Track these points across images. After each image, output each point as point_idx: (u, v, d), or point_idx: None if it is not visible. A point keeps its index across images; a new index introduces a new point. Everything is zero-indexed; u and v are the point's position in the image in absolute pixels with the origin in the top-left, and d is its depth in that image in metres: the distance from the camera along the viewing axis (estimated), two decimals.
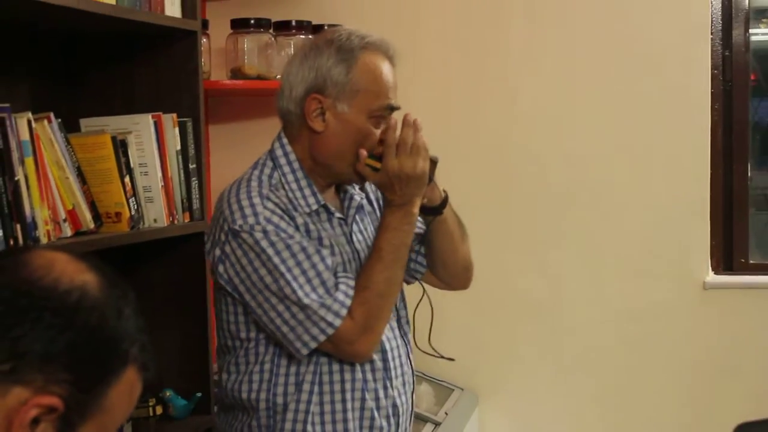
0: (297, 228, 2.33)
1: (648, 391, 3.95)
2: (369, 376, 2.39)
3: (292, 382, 2.36)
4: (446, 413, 3.71)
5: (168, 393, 2.98)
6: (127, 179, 2.77)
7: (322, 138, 2.37)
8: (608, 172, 3.96)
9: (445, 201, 2.51)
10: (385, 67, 2.40)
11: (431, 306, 2.63)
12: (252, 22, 3.70)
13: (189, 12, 3.02)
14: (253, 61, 3.69)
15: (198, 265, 3.00)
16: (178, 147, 2.94)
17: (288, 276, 2.28)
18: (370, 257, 2.38)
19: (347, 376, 2.37)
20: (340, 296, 2.31)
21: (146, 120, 2.85)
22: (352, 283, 2.34)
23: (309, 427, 2.35)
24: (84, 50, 3.02)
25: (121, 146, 2.77)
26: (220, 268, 2.34)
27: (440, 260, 2.60)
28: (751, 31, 4.02)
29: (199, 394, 3.01)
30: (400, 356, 2.48)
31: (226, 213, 2.33)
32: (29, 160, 2.41)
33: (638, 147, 3.95)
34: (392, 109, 2.40)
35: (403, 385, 2.48)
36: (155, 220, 2.85)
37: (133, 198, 2.78)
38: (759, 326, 3.90)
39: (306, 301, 2.28)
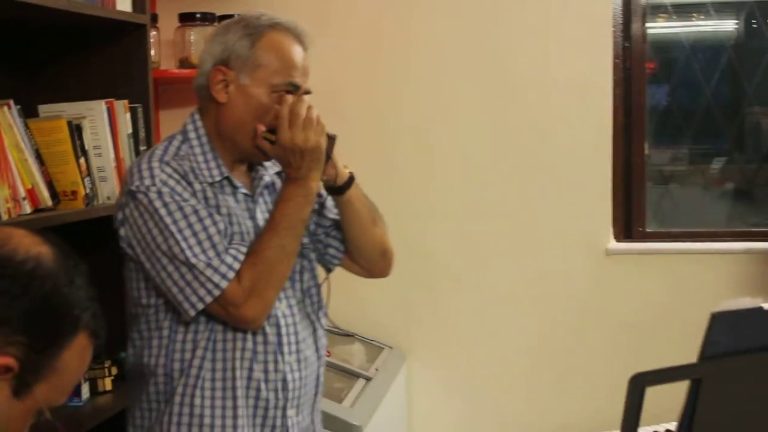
0: (194, 194, 2.22)
1: (558, 345, 3.99)
2: (260, 348, 2.27)
3: (188, 348, 2.25)
4: (377, 369, 3.72)
5: (122, 354, 2.95)
6: (82, 160, 2.73)
7: (226, 109, 2.27)
8: (521, 151, 3.98)
9: (349, 182, 2.40)
10: (292, 47, 2.30)
11: (329, 283, 2.51)
12: (198, 15, 3.71)
13: (138, 7, 2.99)
14: (200, 52, 3.67)
15: None
16: (130, 131, 2.91)
17: (178, 236, 2.17)
18: (265, 228, 2.26)
19: (239, 345, 2.25)
20: (228, 259, 2.19)
21: (100, 106, 2.81)
22: (243, 249, 2.22)
23: (198, 392, 2.25)
24: (42, 42, 2.97)
25: (76, 130, 2.74)
26: (122, 231, 2.24)
27: (353, 244, 2.48)
28: (648, 24, 4.05)
29: None
30: (296, 333, 2.33)
31: (128, 177, 2.24)
32: None
33: (548, 128, 3.96)
34: (296, 87, 2.28)
35: (298, 362, 2.33)
36: (108, 198, 2.81)
37: (88, 177, 2.74)
38: (655, 287, 3.94)
39: (193, 260, 2.16)
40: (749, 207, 4.22)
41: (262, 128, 2.25)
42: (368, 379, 3.60)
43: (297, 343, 2.33)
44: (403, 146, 4.02)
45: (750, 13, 4.14)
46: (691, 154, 4.30)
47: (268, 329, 2.27)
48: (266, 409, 2.30)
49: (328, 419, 3.15)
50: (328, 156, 2.30)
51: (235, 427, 2.26)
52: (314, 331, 2.41)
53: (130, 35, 2.97)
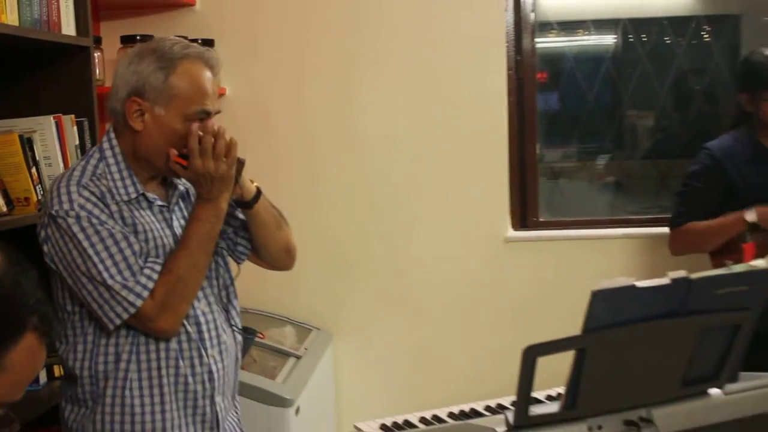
0: (111, 215, 2.16)
1: (463, 321, 4.02)
2: (184, 345, 2.22)
3: (111, 352, 2.19)
4: (306, 348, 3.71)
5: None
6: (33, 170, 2.71)
7: (142, 136, 2.19)
8: (430, 152, 4.00)
9: (257, 197, 2.34)
10: (203, 75, 2.23)
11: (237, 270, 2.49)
12: (138, 38, 3.64)
13: (82, 31, 2.97)
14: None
15: None
16: (77, 142, 2.88)
17: (95, 259, 2.11)
18: (178, 244, 2.20)
19: (162, 345, 2.20)
20: (143, 279, 2.13)
21: (48, 121, 2.79)
22: (158, 267, 2.16)
23: (127, 393, 2.19)
24: None
25: (27, 143, 2.72)
26: (45, 248, 2.17)
27: (260, 245, 2.43)
28: (537, 39, 4.08)
29: None
30: (216, 328, 2.29)
31: (48, 199, 2.17)
32: None
33: (453, 132, 3.99)
34: (207, 113, 2.22)
35: (220, 353, 2.29)
36: None
37: (39, 185, 2.72)
38: (547, 270, 3.99)
39: (110, 282, 2.11)
40: (627, 198, 4.30)
41: (174, 153, 2.18)
42: (298, 357, 3.60)
43: (218, 336, 2.29)
44: (326, 150, 4.02)
45: (625, 29, 4.21)
46: (578, 153, 4.35)
47: (189, 328, 2.23)
48: (195, 399, 2.26)
49: (264, 394, 3.16)
50: (237, 179, 2.25)
51: (164, 420, 2.22)
52: (229, 318, 2.37)
53: (75, 56, 2.94)
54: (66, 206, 2.13)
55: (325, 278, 4.04)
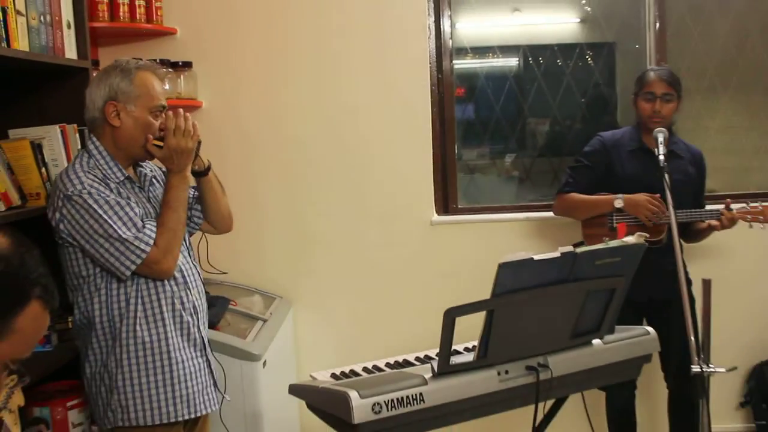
0: (112, 191, 2.33)
1: (398, 290, 4.03)
2: (175, 288, 2.41)
3: (123, 300, 2.36)
4: (270, 313, 3.70)
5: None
6: (43, 170, 2.67)
7: (120, 131, 2.39)
8: (370, 152, 4.00)
9: (208, 168, 2.55)
10: (155, 80, 2.44)
11: (206, 240, 2.81)
12: (138, 60, 3.58)
13: (82, 55, 2.93)
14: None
15: None
16: (78, 147, 2.82)
17: (110, 221, 2.28)
18: (163, 207, 2.40)
19: (160, 289, 2.38)
20: (148, 231, 2.33)
21: (55, 129, 2.75)
22: (154, 224, 2.36)
23: (138, 328, 2.36)
24: (10, 82, 2.86)
25: (37, 148, 2.67)
26: (61, 227, 2.32)
27: (210, 210, 2.63)
28: (455, 61, 4.09)
29: None
30: (193, 275, 2.50)
31: (60, 186, 2.32)
32: None
33: (388, 136, 3.98)
34: (164, 107, 2.43)
35: (199, 293, 2.51)
36: None
37: (48, 182, 2.67)
38: (465, 247, 4.01)
39: (125, 236, 2.29)
40: (528, 188, 4.33)
41: (151, 138, 2.40)
42: (265, 321, 3.58)
43: (195, 280, 2.51)
44: (289, 153, 3.99)
45: (525, 53, 4.24)
46: (489, 152, 4.35)
47: (176, 274, 2.42)
48: (189, 329, 2.44)
49: (236, 351, 3.14)
50: (197, 153, 2.47)
51: (168, 345, 2.39)
52: (199, 273, 2.58)
53: (77, 76, 2.89)
54: (78, 187, 2.30)
55: (287, 256, 4.03)
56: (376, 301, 4.03)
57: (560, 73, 4.20)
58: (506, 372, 2.20)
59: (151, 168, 2.58)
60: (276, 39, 3.95)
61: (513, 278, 2.08)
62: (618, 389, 3.44)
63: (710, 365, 2.61)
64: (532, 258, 2.09)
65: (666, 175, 3.03)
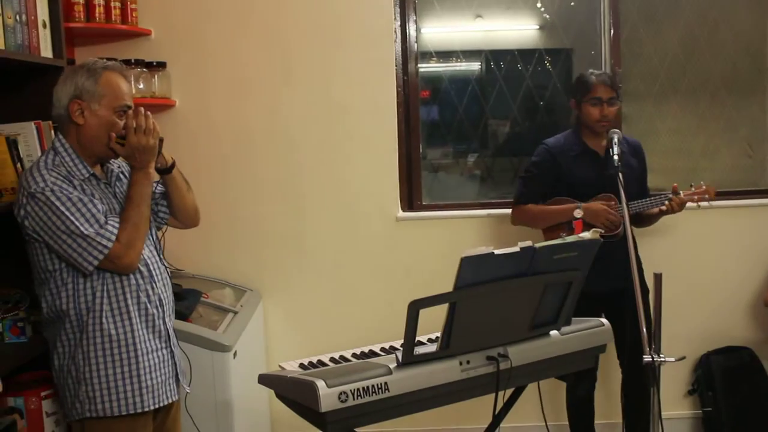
0: (75, 188, 2.29)
1: (366, 284, 4.02)
2: (141, 281, 2.38)
3: (89, 293, 2.32)
4: (241, 305, 3.67)
5: None
6: (18, 165, 2.61)
7: (84, 128, 2.36)
8: (339, 152, 3.97)
9: (172, 165, 2.52)
10: (121, 80, 2.40)
11: (164, 233, 2.70)
12: (104, 59, 3.52)
13: (58, 54, 2.86)
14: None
15: None
16: (51, 146, 2.76)
17: (72, 218, 2.24)
18: (126, 203, 2.37)
19: (125, 282, 2.35)
20: (110, 227, 2.29)
21: (30, 126, 2.69)
22: (117, 219, 2.32)
23: (104, 320, 2.32)
24: None
25: (13, 144, 2.61)
26: (26, 223, 2.28)
27: (176, 206, 2.60)
28: (420, 65, 4.09)
29: None
30: (159, 269, 2.46)
31: (25, 183, 2.27)
32: None
33: (356, 135, 3.97)
34: (128, 107, 2.39)
35: (164, 285, 2.47)
36: None
37: None
38: (429, 242, 4.00)
39: (86, 232, 2.25)
40: (489, 186, 4.34)
41: (114, 136, 2.36)
42: (236, 312, 3.55)
43: (161, 273, 2.46)
44: (259, 150, 3.96)
45: (486, 57, 4.25)
46: (452, 152, 4.35)
47: (142, 268, 2.39)
48: (154, 321, 2.41)
49: (207, 342, 3.11)
50: (159, 150, 2.43)
51: (134, 337, 2.35)
52: (162, 260, 2.53)
53: (52, 74, 2.80)
54: (41, 184, 2.25)
55: (257, 251, 4.00)
56: (343, 293, 4.01)
57: (520, 76, 4.21)
58: (468, 362, 2.20)
59: (119, 164, 2.55)
60: (247, 41, 3.91)
61: (474, 272, 2.08)
62: (576, 379, 3.46)
63: (661, 355, 2.63)
64: (493, 252, 2.09)
65: (620, 174, 3.07)
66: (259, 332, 3.88)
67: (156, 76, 3.78)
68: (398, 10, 4.01)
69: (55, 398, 2.57)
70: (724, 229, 4.03)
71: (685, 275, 3.97)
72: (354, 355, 2.42)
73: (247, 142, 3.95)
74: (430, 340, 2.44)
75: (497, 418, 2.45)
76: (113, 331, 2.32)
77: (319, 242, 4.00)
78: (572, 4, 4.24)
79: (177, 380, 2.51)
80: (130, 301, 2.35)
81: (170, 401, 2.47)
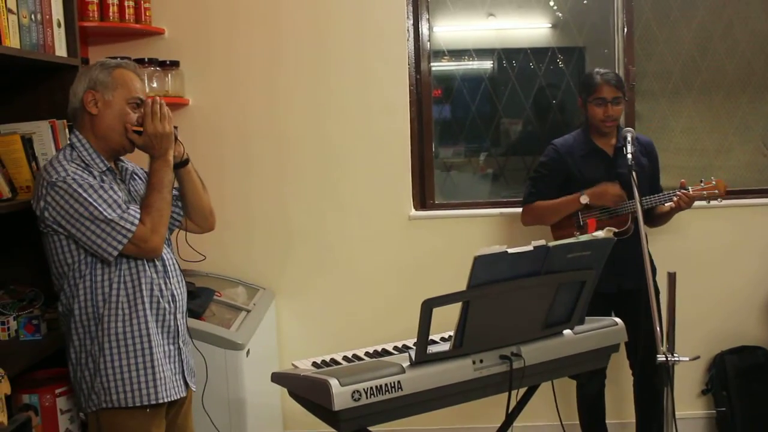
0: (95, 177, 2.32)
1: (377, 281, 4.01)
2: (155, 275, 2.40)
3: (106, 285, 2.34)
4: (254, 304, 3.67)
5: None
6: (33, 164, 2.64)
7: (98, 118, 2.39)
8: (352, 150, 3.97)
9: (187, 160, 2.53)
10: (134, 76, 2.44)
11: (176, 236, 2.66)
12: (118, 59, 3.53)
13: (72, 53, 2.89)
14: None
15: None
16: (68, 142, 2.78)
17: (95, 204, 2.26)
18: (148, 190, 2.40)
19: (141, 275, 2.36)
20: (132, 212, 2.32)
21: (45, 124, 2.71)
22: (137, 206, 2.36)
23: (119, 312, 2.34)
24: (2, 77, 2.82)
25: (28, 142, 2.64)
26: (46, 214, 2.29)
27: (191, 204, 2.59)
28: (432, 63, 4.08)
29: None
30: (174, 265, 2.48)
31: (45, 175, 2.30)
32: None
33: (369, 135, 3.96)
34: (141, 100, 2.43)
35: (179, 282, 2.49)
36: None
37: None
38: (442, 241, 3.99)
39: (110, 216, 2.27)
40: (502, 185, 4.32)
41: (130, 126, 2.40)
42: (248, 311, 3.55)
43: (175, 269, 2.48)
44: (273, 149, 3.96)
45: (499, 56, 4.24)
46: (464, 151, 4.34)
47: (158, 263, 2.41)
48: (164, 315, 2.42)
49: (221, 340, 3.12)
50: (176, 138, 2.46)
51: (148, 329, 2.37)
52: (179, 265, 2.55)
53: (67, 72, 2.85)
54: (63, 174, 2.28)
55: (271, 249, 4.00)
56: (356, 292, 4.00)
57: (533, 75, 4.20)
58: (481, 361, 2.19)
59: (133, 165, 2.57)
60: (260, 40, 3.91)
61: (488, 271, 2.07)
62: (589, 378, 3.45)
63: (675, 354, 2.61)
64: (507, 251, 2.08)
65: (633, 173, 3.06)
66: (272, 330, 3.88)
67: (169, 75, 3.79)
68: (411, 8, 4.00)
69: (70, 395, 2.58)
70: (738, 227, 4.00)
71: (699, 274, 3.94)
72: (367, 353, 2.41)
73: (260, 141, 3.95)
74: (443, 339, 2.43)
75: (510, 417, 2.44)
76: (128, 324, 2.34)
77: (332, 241, 3.99)
78: (585, 2, 4.22)
79: (185, 379, 2.51)
80: (144, 293, 2.37)
81: (179, 397, 2.47)
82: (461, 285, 2.09)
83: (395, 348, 2.47)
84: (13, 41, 2.49)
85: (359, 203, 3.98)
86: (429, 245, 3.99)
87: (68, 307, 2.37)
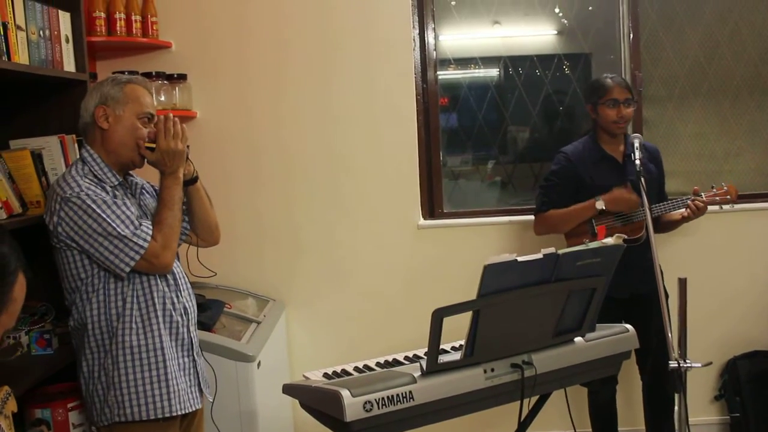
0: (107, 192, 2.34)
1: (387, 291, 4.01)
2: (167, 289, 2.41)
3: (120, 299, 2.34)
4: (264, 315, 3.67)
5: None
6: (43, 179, 2.65)
7: (109, 133, 2.41)
8: (360, 160, 3.98)
9: (197, 177, 2.56)
10: (144, 92, 2.47)
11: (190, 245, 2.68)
12: (125, 73, 3.55)
13: (80, 68, 2.90)
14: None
15: None
16: (77, 156, 2.79)
17: (108, 219, 2.27)
18: (159, 206, 2.41)
19: (154, 289, 2.38)
20: (145, 228, 2.33)
21: (54, 139, 2.73)
22: (149, 222, 2.36)
23: (133, 326, 2.35)
24: (12, 94, 2.83)
25: (38, 157, 2.65)
26: (59, 229, 2.30)
27: (198, 219, 2.61)
28: (439, 72, 4.09)
29: None
30: (183, 277, 2.51)
31: (58, 190, 2.31)
32: None
33: (376, 144, 3.97)
34: (152, 115, 2.45)
35: (190, 295, 2.51)
36: None
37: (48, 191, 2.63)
38: (451, 250, 3.99)
39: (124, 232, 2.28)
40: (510, 193, 4.32)
41: (143, 142, 2.41)
42: (259, 323, 3.55)
43: (186, 282, 2.50)
44: (281, 160, 3.97)
45: (505, 64, 4.24)
46: (472, 159, 4.34)
47: (169, 276, 2.43)
48: (177, 329, 2.43)
49: (232, 352, 3.11)
50: (187, 156, 2.47)
51: (162, 342, 2.38)
52: (188, 279, 2.57)
53: (75, 88, 2.86)
54: (76, 189, 2.29)
55: (281, 260, 4.00)
56: (366, 302, 4.00)
57: (539, 82, 4.20)
58: (492, 370, 2.19)
59: (141, 180, 2.59)
60: (267, 52, 3.93)
61: (498, 279, 2.07)
62: (600, 385, 3.43)
63: (687, 360, 2.60)
64: (516, 259, 2.08)
65: (642, 180, 3.05)
66: (283, 342, 3.88)
67: (177, 88, 3.81)
68: (416, 18, 4.01)
69: (82, 410, 2.58)
70: (748, 232, 3.98)
71: (710, 279, 3.93)
72: (378, 364, 2.41)
73: (267, 153, 3.96)
74: (453, 348, 2.42)
75: (522, 425, 2.42)
76: (141, 337, 2.35)
77: (341, 252, 4.00)
78: (590, 9, 4.22)
79: (200, 389, 2.52)
80: (157, 307, 2.38)
81: (194, 409, 2.48)
82: (471, 294, 2.08)
83: (406, 358, 2.47)
84: (22, 57, 2.50)
85: (368, 213, 3.99)
86: (438, 254, 3.99)
87: (81, 322, 2.38)
